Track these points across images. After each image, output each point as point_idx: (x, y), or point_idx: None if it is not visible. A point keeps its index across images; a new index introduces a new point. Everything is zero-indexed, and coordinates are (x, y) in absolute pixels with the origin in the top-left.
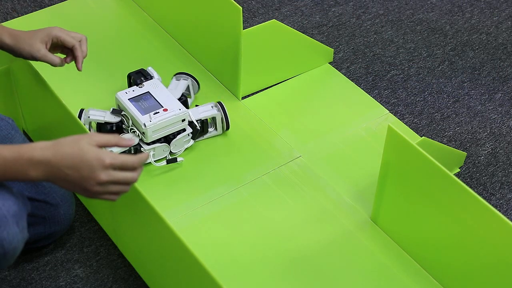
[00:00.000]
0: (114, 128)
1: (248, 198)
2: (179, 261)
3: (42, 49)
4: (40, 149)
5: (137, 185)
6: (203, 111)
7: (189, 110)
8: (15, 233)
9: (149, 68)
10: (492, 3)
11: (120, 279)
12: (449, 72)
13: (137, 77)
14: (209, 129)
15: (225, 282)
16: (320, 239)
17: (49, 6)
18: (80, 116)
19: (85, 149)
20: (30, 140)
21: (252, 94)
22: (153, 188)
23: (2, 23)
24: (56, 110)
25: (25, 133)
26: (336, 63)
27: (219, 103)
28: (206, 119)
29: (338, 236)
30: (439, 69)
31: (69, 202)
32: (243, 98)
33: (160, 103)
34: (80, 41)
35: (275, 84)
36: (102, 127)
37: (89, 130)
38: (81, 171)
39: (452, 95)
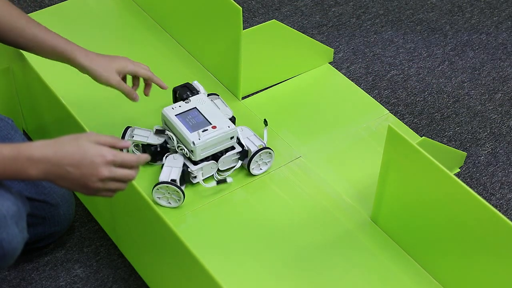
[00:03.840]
0: (158, 149)
1: (248, 198)
2: (179, 261)
3: (117, 78)
4: (39, 147)
5: (137, 186)
6: (250, 136)
7: (240, 128)
8: (15, 233)
9: (195, 82)
10: (492, 3)
11: (120, 279)
12: (449, 72)
13: (183, 91)
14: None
15: (225, 282)
16: (320, 239)
17: (49, 6)
18: (124, 134)
19: (86, 146)
20: (30, 140)
21: (252, 94)
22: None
23: None
24: (56, 110)
25: (25, 133)
26: (336, 63)
27: (268, 148)
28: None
29: (338, 236)
30: (439, 69)
31: (69, 202)
32: (243, 98)
33: (208, 119)
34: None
35: (275, 84)
36: (146, 148)
37: (127, 151)
38: (82, 168)
39: (452, 95)
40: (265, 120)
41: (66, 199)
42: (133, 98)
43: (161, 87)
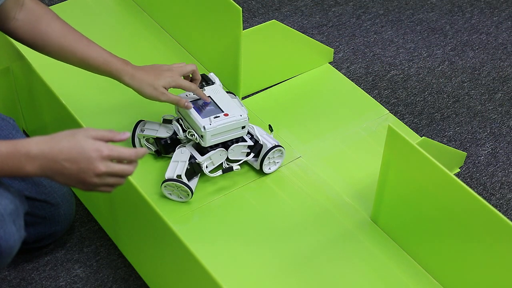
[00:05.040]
0: (169, 142)
1: (248, 198)
2: (179, 261)
3: (165, 92)
4: (36, 143)
5: (137, 185)
6: (264, 135)
7: (254, 126)
8: (12, 232)
9: (211, 74)
10: (492, 3)
11: (120, 279)
12: (449, 72)
13: None
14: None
15: (225, 282)
16: (320, 239)
17: (49, 6)
18: (135, 129)
19: (82, 141)
20: None
21: (252, 94)
22: (153, 189)
23: None
24: (56, 110)
25: (25, 133)
26: (336, 63)
27: (282, 146)
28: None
29: (338, 236)
30: (439, 69)
31: (69, 202)
32: (243, 98)
33: (221, 108)
34: (192, 74)
35: (275, 84)
36: (157, 142)
37: (140, 146)
38: (79, 163)
39: (452, 95)
40: (270, 125)
41: (66, 199)
42: (185, 106)
43: (204, 100)
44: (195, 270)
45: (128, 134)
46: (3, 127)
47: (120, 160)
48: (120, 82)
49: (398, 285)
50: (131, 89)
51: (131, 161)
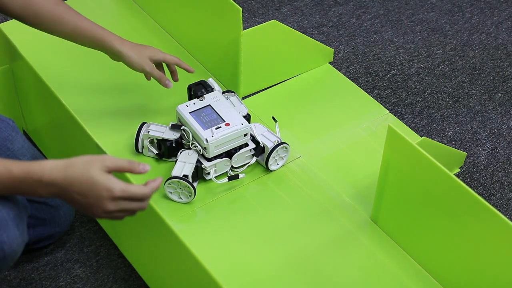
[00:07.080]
0: (173, 144)
1: (248, 198)
2: (179, 261)
3: (150, 64)
4: (49, 170)
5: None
6: (265, 133)
7: (253, 125)
8: (15, 236)
9: (210, 79)
10: (492, 3)
11: (120, 279)
12: (449, 72)
13: (198, 89)
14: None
15: (225, 282)
16: (320, 239)
17: None
18: (140, 130)
19: (96, 177)
20: (31, 141)
21: (252, 94)
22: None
23: (3, 23)
24: (56, 110)
25: (25, 133)
26: (336, 63)
27: (284, 143)
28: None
29: (338, 236)
30: (439, 69)
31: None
32: (243, 98)
33: (222, 117)
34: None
35: (275, 84)
36: (162, 143)
37: (142, 147)
38: (89, 198)
39: (452, 95)
40: (273, 117)
41: None
42: (166, 84)
43: (188, 71)
44: (195, 270)
45: (148, 167)
46: (3, 128)
47: (132, 199)
48: (109, 50)
49: (398, 285)
50: (132, 90)
51: (144, 199)
